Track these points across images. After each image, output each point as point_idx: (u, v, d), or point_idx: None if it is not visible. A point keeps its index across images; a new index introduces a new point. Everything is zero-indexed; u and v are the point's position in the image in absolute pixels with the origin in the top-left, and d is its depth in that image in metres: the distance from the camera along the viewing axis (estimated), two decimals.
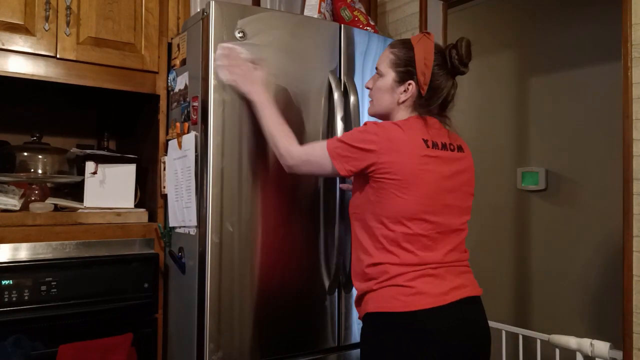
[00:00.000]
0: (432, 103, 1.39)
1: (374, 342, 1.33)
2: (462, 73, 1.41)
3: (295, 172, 1.46)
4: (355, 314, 1.79)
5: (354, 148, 1.33)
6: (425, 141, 1.34)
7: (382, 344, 1.30)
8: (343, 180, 1.72)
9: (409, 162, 1.30)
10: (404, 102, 1.40)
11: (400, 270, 1.31)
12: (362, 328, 1.38)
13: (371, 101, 1.49)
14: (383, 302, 1.31)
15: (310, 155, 1.41)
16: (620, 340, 1.65)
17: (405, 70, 1.39)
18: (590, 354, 1.75)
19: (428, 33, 1.43)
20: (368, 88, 1.50)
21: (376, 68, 1.46)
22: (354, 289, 1.77)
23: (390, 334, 1.29)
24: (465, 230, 1.43)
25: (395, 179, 1.30)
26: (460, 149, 1.44)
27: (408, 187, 1.30)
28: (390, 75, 1.41)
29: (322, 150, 1.38)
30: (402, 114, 1.42)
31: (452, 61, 1.39)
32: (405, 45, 1.41)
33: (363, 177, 1.37)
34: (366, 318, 1.36)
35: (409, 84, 1.39)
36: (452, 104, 1.44)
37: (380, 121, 1.40)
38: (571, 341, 1.83)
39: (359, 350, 1.78)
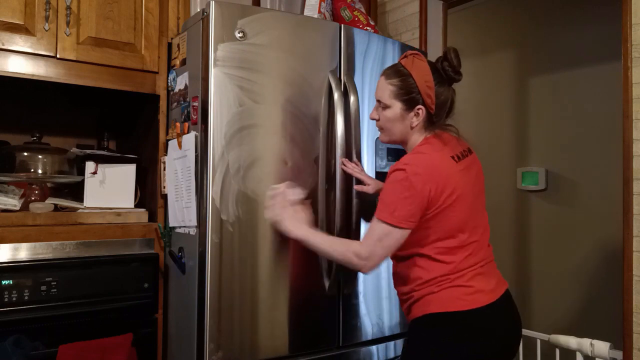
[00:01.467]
0: (441, 117, 1.46)
1: (438, 340, 1.37)
2: (458, 80, 1.46)
3: (377, 265, 1.42)
4: (355, 314, 1.79)
5: (406, 201, 1.34)
6: (453, 157, 1.42)
7: (445, 341, 1.36)
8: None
9: (453, 182, 1.38)
10: (416, 125, 1.45)
11: (459, 274, 1.39)
12: (416, 328, 1.42)
13: (382, 130, 1.51)
14: (448, 303, 1.37)
15: (377, 241, 1.38)
16: (620, 340, 1.65)
17: (410, 98, 1.43)
18: (590, 354, 1.75)
19: (416, 53, 1.46)
20: (374, 119, 1.52)
21: (378, 100, 1.49)
22: (353, 289, 1.78)
23: (454, 332, 1.36)
24: (488, 227, 1.51)
25: (445, 204, 1.36)
26: (469, 151, 1.51)
27: (456, 203, 1.38)
28: (397, 106, 1.44)
29: (385, 228, 1.36)
30: (417, 135, 1.47)
31: (446, 73, 1.43)
32: (401, 72, 1.44)
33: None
34: (426, 319, 1.40)
35: (419, 109, 1.43)
36: (453, 110, 1.49)
37: (404, 156, 1.41)
38: (571, 341, 1.83)
39: (358, 350, 1.79)
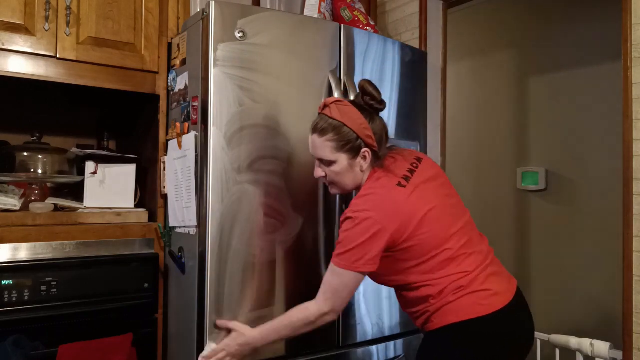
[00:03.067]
0: (383, 148, 1.44)
1: (462, 349, 1.35)
2: (383, 109, 1.44)
3: (339, 312, 1.42)
4: (355, 314, 1.79)
5: (364, 244, 1.32)
6: (400, 184, 1.38)
7: (472, 349, 1.34)
8: None
9: (408, 209, 1.35)
10: (366, 167, 1.43)
11: (470, 278, 1.36)
12: (441, 339, 1.38)
13: (332, 184, 1.48)
14: (467, 310, 1.34)
15: (336, 292, 1.38)
16: (620, 340, 1.65)
17: (353, 146, 1.40)
18: (590, 354, 1.75)
19: (337, 100, 1.43)
20: (320, 176, 1.48)
21: (319, 159, 1.45)
22: None
23: (480, 338, 1.34)
24: (471, 219, 1.48)
25: (413, 231, 1.34)
26: (418, 160, 1.47)
27: (422, 225, 1.35)
28: (342, 158, 1.41)
29: (340, 275, 1.36)
30: (366, 174, 1.44)
31: (372, 107, 1.42)
32: (333, 125, 1.40)
33: (384, 257, 1.37)
34: (446, 330, 1.36)
35: (365, 152, 1.41)
36: (387, 136, 1.46)
37: (351, 202, 1.39)
38: (571, 341, 1.83)
39: (358, 350, 1.79)
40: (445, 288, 1.35)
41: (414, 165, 1.45)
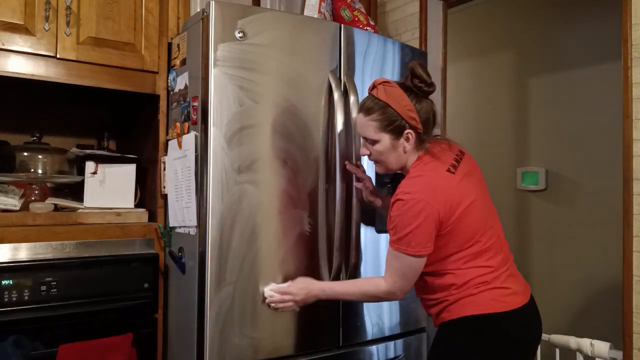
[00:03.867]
0: (429, 132, 1.47)
1: (475, 342, 1.38)
2: (432, 92, 1.46)
3: (406, 292, 1.46)
4: (355, 314, 1.79)
5: (419, 227, 1.35)
6: (449, 170, 1.43)
7: (485, 343, 1.38)
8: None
9: (456, 195, 1.39)
10: (410, 149, 1.46)
11: (494, 275, 1.40)
12: (456, 330, 1.42)
13: (377, 163, 1.53)
14: (486, 305, 1.38)
15: (402, 274, 1.42)
16: (620, 340, 1.65)
17: (396, 127, 1.43)
18: (590, 354, 1.75)
19: (385, 81, 1.46)
20: (365, 155, 1.53)
21: (364, 138, 1.50)
22: None
23: (494, 333, 1.38)
24: (499, 222, 1.53)
25: (458, 214, 1.38)
26: (462, 153, 1.51)
27: (467, 213, 1.39)
28: (385, 138, 1.45)
29: (402, 258, 1.40)
30: (411, 157, 1.48)
31: (420, 89, 1.43)
32: (379, 105, 1.44)
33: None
34: (462, 322, 1.40)
35: (408, 133, 1.44)
36: (436, 119, 1.50)
37: (401, 183, 1.43)
38: (571, 341, 1.83)
39: (358, 350, 1.79)
40: (470, 280, 1.39)
41: (459, 156, 1.49)
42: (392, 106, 1.42)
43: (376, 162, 1.53)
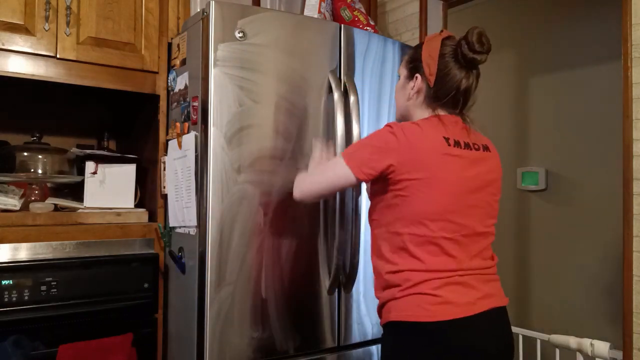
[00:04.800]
0: (442, 95, 1.34)
1: (395, 351, 1.27)
2: (474, 61, 1.32)
3: (306, 195, 1.40)
4: (355, 314, 1.79)
5: (372, 148, 1.28)
6: (447, 139, 1.29)
7: (404, 354, 1.24)
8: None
9: (430, 159, 1.25)
10: (415, 96, 1.39)
11: (424, 277, 1.25)
12: (383, 336, 1.33)
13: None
14: (407, 311, 1.24)
15: (321, 171, 1.39)
16: (620, 340, 1.65)
17: (413, 66, 1.39)
18: (590, 354, 1.75)
19: (443, 31, 1.39)
20: None
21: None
22: (353, 289, 1.78)
23: (414, 344, 1.23)
24: (492, 234, 1.38)
25: (416, 177, 1.25)
26: (485, 148, 1.39)
27: (430, 185, 1.25)
28: (402, 74, 1.44)
29: (335, 161, 1.35)
30: (419, 112, 1.39)
31: (461, 50, 1.31)
32: (418, 45, 1.43)
33: (382, 181, 1.31)
34: (388, 326, 1.30)
35: (416, 77, 1.38)
36: (472, 100, 1.38)
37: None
38: (571, 341, 1.83)
39: (358, 350, 1.79)
40: (398, 272, 1.27)
41: (477, 146, 1.36)
42: (422, 47, 1.38)
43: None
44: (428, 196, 1.25)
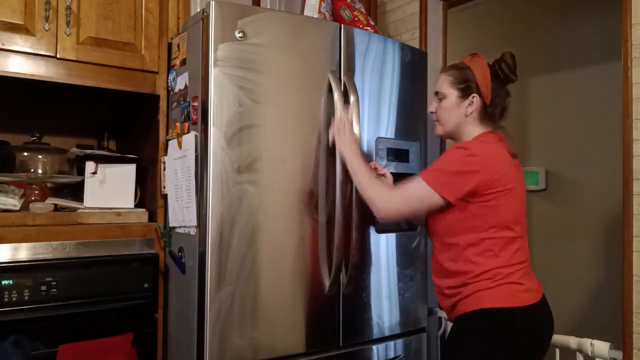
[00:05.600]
0: (496, 113, 1.55)
1: (486, 336, 1.41)
2: (513, 81, 1.55)
3: (391, 215, 1.51)
4: (355, 314, 1.79)
5: (459, 173, 1.41)
6: (508, 152, 1.50)
7: (496, 337, 1.40)
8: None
9: (507, 173, 1.44)
10: (471, 114, 1.53)
11: (510, 270, 1.43)
12: (470, 323, 1.45)
13: (437, 122, 1.61)
14: (502, 299, 1.41)
15: (408, 194, 1.47)
16: (620, 340, 1.65)
17: (466, 86, 1.53)
18: (590, 354, 1.75)
19: (476, 53, 1.57)
20: (431, 112, 1.63)
21: (435, 92, 1.60)
22: (354, 289, 1.78)
23: (505, 327, 1.40)
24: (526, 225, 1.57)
25: (503, 189, 1.42)
26: (515, 155, 1.56)
27: (511, 194, 1.44)
28: (453, 94, 1.55)
29: (419, 185, 1.44)
30: (471, 127, 1.55)
31: (503, 72, 1.52)
32: (461, 66, 1.56)
33: (462, 199, 1.44)
34: (477, 314, 1.42)
35: (473, 97, 1.53)
36: (506, 112, 1.58)
37: (465, 141, 1.51)
38: (571, 341, 1.83)
39: (359, 350, 1.79)
40: (487, 271, 1.42)
41: (514, 155, 1.54)
42: (472, 69, 1.53)
43: (437, 120, 1.61)
44: (510, 203, 1.44)
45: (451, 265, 1.49)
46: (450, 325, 2.16)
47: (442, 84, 1.58)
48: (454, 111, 1.55)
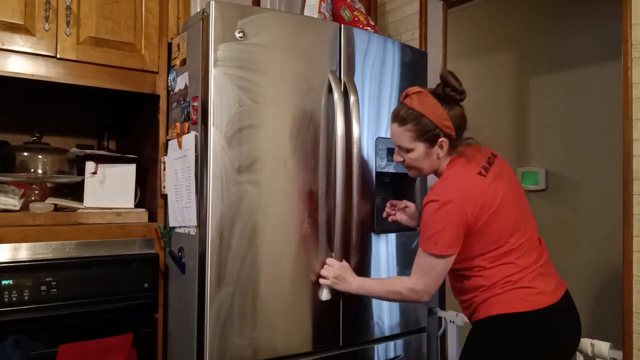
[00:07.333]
0: (460, 136, 1.50)
1: (500, 341, 1.40)
2: (463, 99, 1.49)
3: (434, 292, 1.50)
4: (356, 314, 1.79)
5: (447, 228, 1.39)
6: (480, 172, 1.45)
7: (510, 342, 1.39)
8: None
9: (487, 197, 1.41)
10: (443, 154, 1.49)
11: (520, 275, 1.42)
12: (482, 330, 1.45)
13: (410, 168, 1.57)
14: (512, 304, 1.40)
15: (425, 271, 1.46)
16: (620, 340, 1.65)
17: (430, 136, 1.46)
18: (590, 354, 1.75)
19: (419, 90, 1.49)
20: (399, 162, 1.57)
21: (397, 146, 1.53)
22: None
23: (520, 332, 1.39)
24: (534, 221, 1.53)
25: (489, 213, 1.40)
26: (494, 155, 1.54)
27: (499, 211, 1.41)
28: (419, 146, 1.48)
29: (429, 260, 1.44)
30: (444, 162, 1.51)
31: (451, 97, 1.46)
32: (413, 115, 1.46)
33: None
34: (488, 321, 1.42)
35: (442, 141, 1.47)
36: (466, 124, 1.52)
37: (434, 185, 1.47)
38: None
39: (359, 350, 1.79)
40: (497, 282, 1.41)
41: (490, 159, 1.51)
42: (427, 116, 1.45)
43: (409, 167, 1.57)
44: (501, 219, 1.42)
45: (462, 284, 1.50)
46: (449, 325, 2.16)
47: (401, 139, 1.50)
48: (425, 160, 1.51)
